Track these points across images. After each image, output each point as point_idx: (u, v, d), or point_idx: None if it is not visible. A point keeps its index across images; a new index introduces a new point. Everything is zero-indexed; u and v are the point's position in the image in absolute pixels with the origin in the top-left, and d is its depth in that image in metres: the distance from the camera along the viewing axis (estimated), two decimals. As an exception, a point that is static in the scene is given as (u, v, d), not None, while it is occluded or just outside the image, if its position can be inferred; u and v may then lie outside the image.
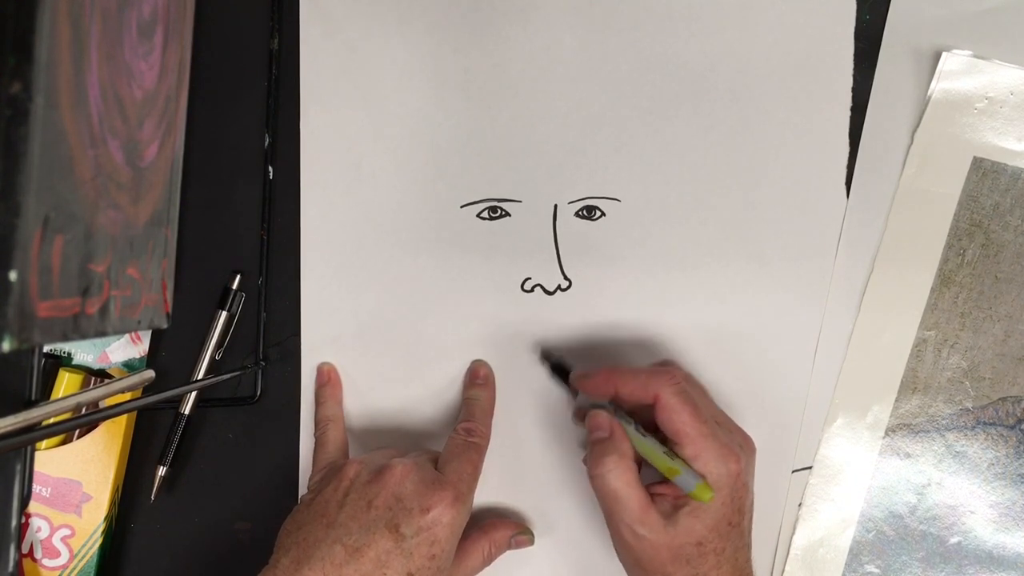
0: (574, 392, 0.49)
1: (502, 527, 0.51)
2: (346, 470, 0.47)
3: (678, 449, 0.44)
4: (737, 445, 0.44)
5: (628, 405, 0.47)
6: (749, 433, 0.47)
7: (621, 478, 0.44)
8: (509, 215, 0.53)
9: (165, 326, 0.45)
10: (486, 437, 0.51)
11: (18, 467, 0.45)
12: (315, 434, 0.52)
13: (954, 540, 0.52)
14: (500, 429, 0.53)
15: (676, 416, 0.44)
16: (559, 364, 0.51)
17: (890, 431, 0.52)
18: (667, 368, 0.46)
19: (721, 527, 0.43)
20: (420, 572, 0.44)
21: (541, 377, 0.52)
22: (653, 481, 0.45)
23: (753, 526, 0.47)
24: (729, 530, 0.44)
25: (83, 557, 0.51)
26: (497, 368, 0.53)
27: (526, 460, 0.53)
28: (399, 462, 0.47)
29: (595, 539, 0.53)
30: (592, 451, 0.46)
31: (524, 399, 0.53)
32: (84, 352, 0.53)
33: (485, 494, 0.53)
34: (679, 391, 0.44)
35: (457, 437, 0.49)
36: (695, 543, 0.43)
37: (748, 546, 0.45)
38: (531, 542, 0.52)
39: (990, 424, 0.52)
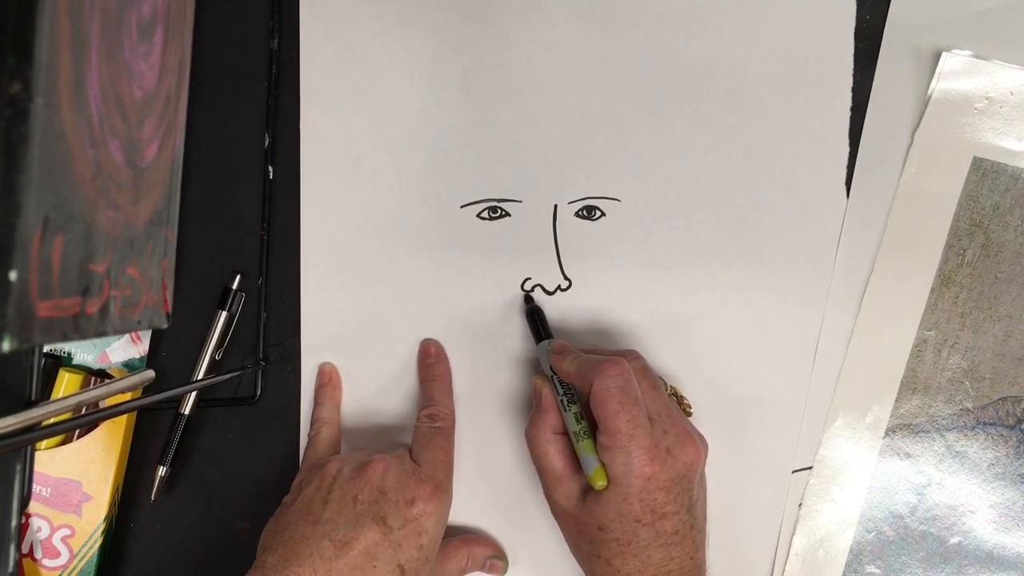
0: (537, 339, 0.51)
1: (483, 544, 0.52)
2: (327, 468, 0.47)
3: (599, 436, 0.45)
4: (664, 449, 0.44)
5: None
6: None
7: (545, 445, 0.47)
8: (509, 215, 0.53)
9: (165, 326, 0.45)
10: (450, 418, 0.51)
11: (18, 467, 0.45)
12: (309, 433, 0.52)
13: (954, 540, 0.52)
14: (500, 429, 0.53)
15: (600, 407, 0.44)
16: (537, 309, 0.52)
17: (890, 431, 0.52)
18: (614, 359, 0.46)
19: (625, 521, 0.44)
20: (409, 563, 0.45)
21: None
22: None
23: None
24: (637, 527, 0.44)
25: (83, 557, 0.51)
26: (496, 368, 0.53)
27: (525, 459, 0.53)
28: (380, 457, 0.47)
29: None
30: (531, 414, 0.49)
31: (523, 400, 0.53)
32: (84, 352, 0.53)
33: (482, 493, 0.53)
34: (611, 385, 0.44)
35: (422, 425, 0.50)
36: (597, 526, 0.45)
37: (673, 545, 0.44)
38: (504, 570, 0.53)
39: (990, 424, 0.52)
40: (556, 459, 0.47)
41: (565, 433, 0.48)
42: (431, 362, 0.53)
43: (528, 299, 0.53)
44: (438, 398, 0.52)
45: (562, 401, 0.48)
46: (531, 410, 0.49)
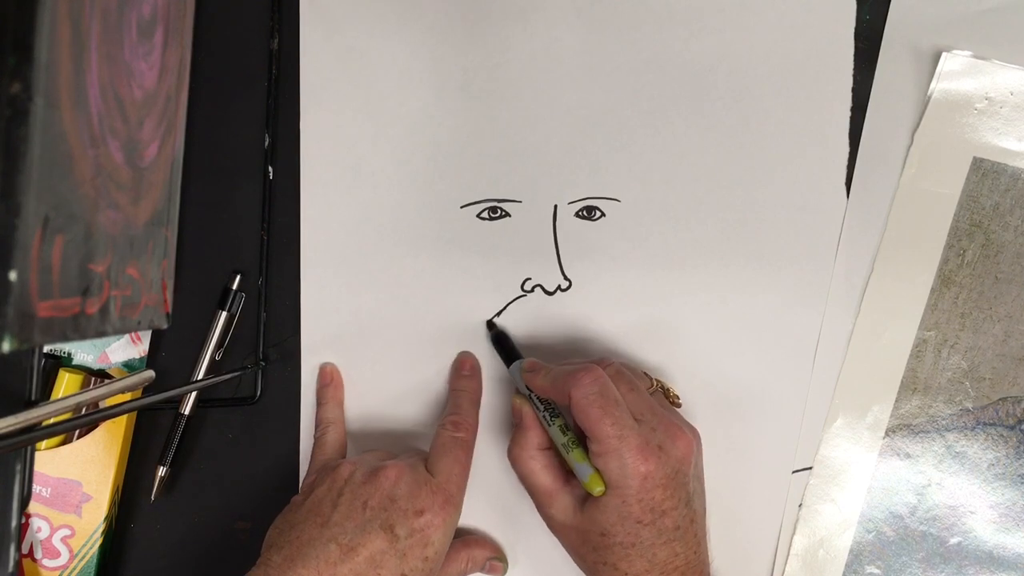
0: (507, 363, 0.51)
1: (482, 546, 0.52)
2: (340, 470, 0.47)
3: (589, 444, 0.45)
4: (655, 446, 0.44)
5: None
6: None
7: (530, 462, 0.48)
8: (509, 215, 0.53)
9: (165, 326, 0.45)
10: (473, 430, 0.51)
11: (18, 467, 0.45)
12: (315, 435, 0.52)
13: (954, 541, 0.52)
14: (501, 428, 0.53)
15: (583, 416, 0.44)
16: (501, 334, 0.52)
17: (890, 431, 0.52)
18: (587, 366, 0.46)
19: (627, 523, 0.44)
20: (413, 573, 0.44)
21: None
22: None
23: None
24: (639, 528, 0.44)
25: (83, 557, 0.51)
26: (496, 369, 0.53)
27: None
28: (393, 464, 0.47)
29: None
30: (513, 434, 0.49)
31: (524, 399, 0.53)
32: (84, 352, 0.53)
33: (482, 494, 0.53)
34: (588, 392, 0.44)
35: (444, 432, 0.50)
36: (599, 533, 0.45)
37: (676, 541, 0.44)
38: (504, 571, 0.53)
39: (990, 424, 0.52)
40: (544, 475, 0.47)
41: (548, 449, 0.48)
42: (465, 374, 0.53)
43: (491, 325, 0.53)
44: (465, 409, 0.51)
45: (544, 417, 0.48)
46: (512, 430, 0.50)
